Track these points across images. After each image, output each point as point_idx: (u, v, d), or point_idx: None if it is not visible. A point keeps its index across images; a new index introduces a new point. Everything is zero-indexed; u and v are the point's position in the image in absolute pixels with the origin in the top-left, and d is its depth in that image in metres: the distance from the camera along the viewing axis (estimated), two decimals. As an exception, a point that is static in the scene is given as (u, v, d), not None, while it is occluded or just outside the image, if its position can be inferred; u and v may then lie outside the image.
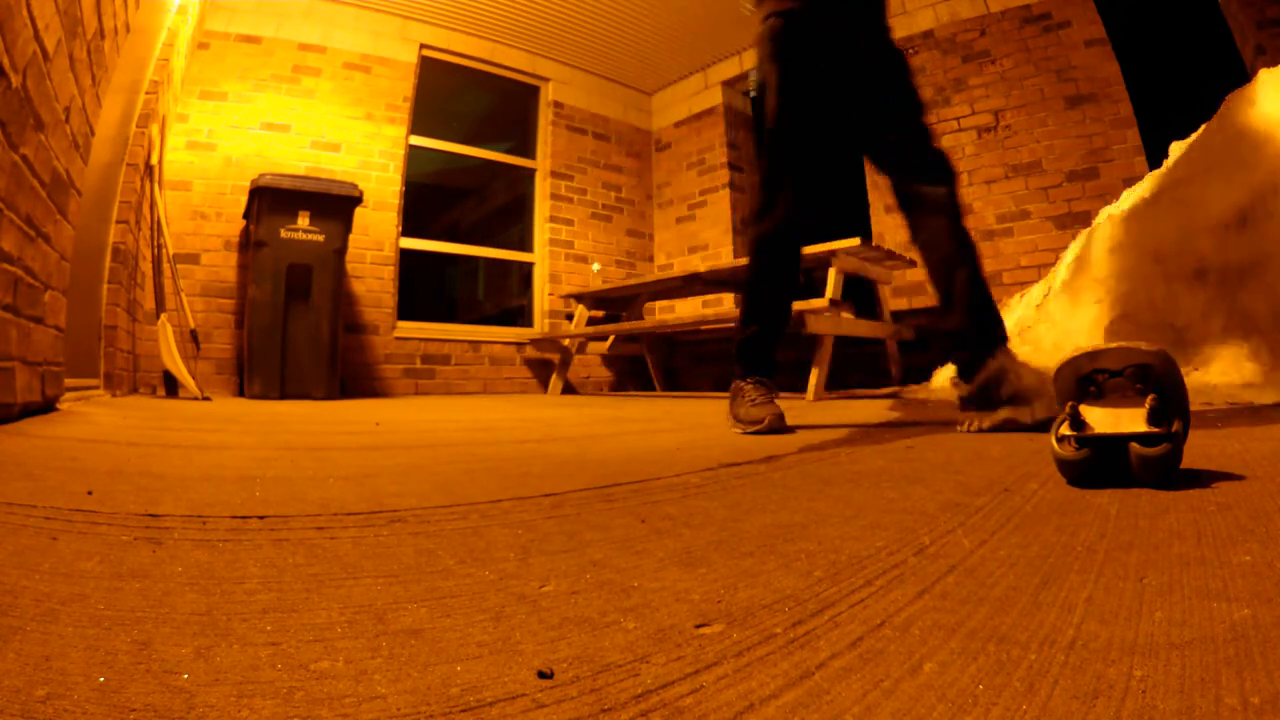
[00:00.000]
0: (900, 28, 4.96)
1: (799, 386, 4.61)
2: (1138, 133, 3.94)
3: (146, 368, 3.90)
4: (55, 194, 1.96)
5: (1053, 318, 2.84)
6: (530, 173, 6.08)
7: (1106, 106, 4.04)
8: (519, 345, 5.60)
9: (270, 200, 3.97)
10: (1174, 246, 2.60)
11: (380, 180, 5.05)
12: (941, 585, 0.61)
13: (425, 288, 6.23)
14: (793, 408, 3.07)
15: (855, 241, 3.78)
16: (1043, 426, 1.47)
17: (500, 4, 5.20)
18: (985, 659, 0.45)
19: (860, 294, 4.35)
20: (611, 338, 5.35)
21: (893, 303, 4.71)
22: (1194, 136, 3.08)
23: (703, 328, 5.39)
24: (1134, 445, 0.97)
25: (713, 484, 1.14)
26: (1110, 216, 3.07)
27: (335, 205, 4.15)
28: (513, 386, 5.55)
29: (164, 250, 3.90)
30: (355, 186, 4.26)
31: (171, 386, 3.74)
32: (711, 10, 5.37)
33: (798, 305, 3.68)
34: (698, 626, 0.53)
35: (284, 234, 4.01)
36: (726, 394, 2.10)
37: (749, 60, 5.97)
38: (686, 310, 6.10)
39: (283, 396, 3.93)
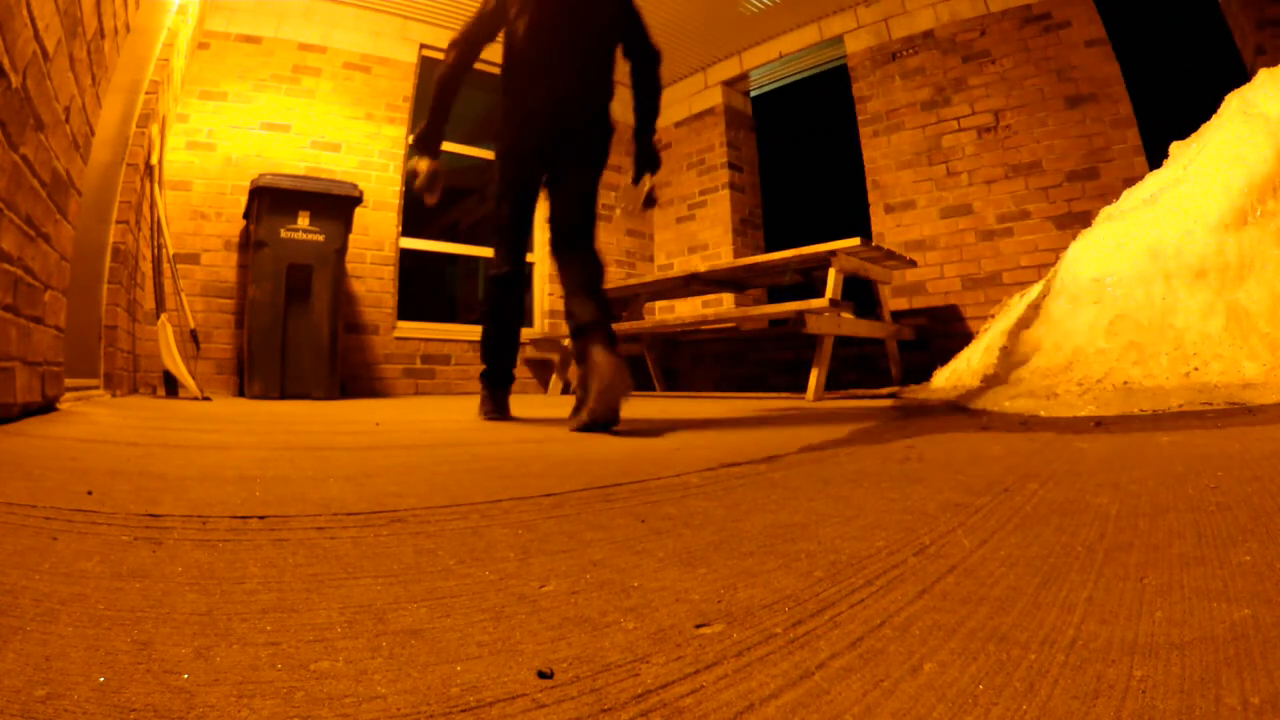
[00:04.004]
0: (900, 28, 4.97)
1: (799, 386, 4.61)
2: (1138, 133, 3.94)
3: (146, 368, 3.90)
4: (55, 194, 1.95)
5: (1053, 318, 2.84)
6: (530, 173, 6.07)
7: (1106, 106, 4.04)
8: (519, 345, 5.60)
9: (270, 200, 3.97)
10: (1174, 246, 2.60)
11: (380, 180, 5.05)
12: (941, 585, 0.61)
13: (425, 288, 6.23)
14: (793, 408, 3.07)
15: (855, 241, 3.78)
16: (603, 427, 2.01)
17: (500, 4, 5.21)
18: (985, 659, 0.45)
19: (860, 294, 4.35)
20: (612, 338, 5.35)
21: (893, 303, 4.71)
22: (1194, 136, 3.08)
23: (703, 328, 5.39)
24: None
25: (713, 484, 1.14)
26: (1110, 216, 3.07)
27: (335, 205, 4.15)
28: (513, 386, 5.55)
29: (164, 250, 3.90)
30: (355, 186, 4.26)
31: (171, 386, 3.73)
32: (711, 10, 5.37)
33: (798, 305, 3.68)
34: (698, 626, 0.53)
35: (284, 234, 4.01)
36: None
37: (749, 60, 5.97)
38: (686, 310, 6.09)
39: (283, 396, 3.93)
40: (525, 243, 2.66)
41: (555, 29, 2.43)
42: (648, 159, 2.52)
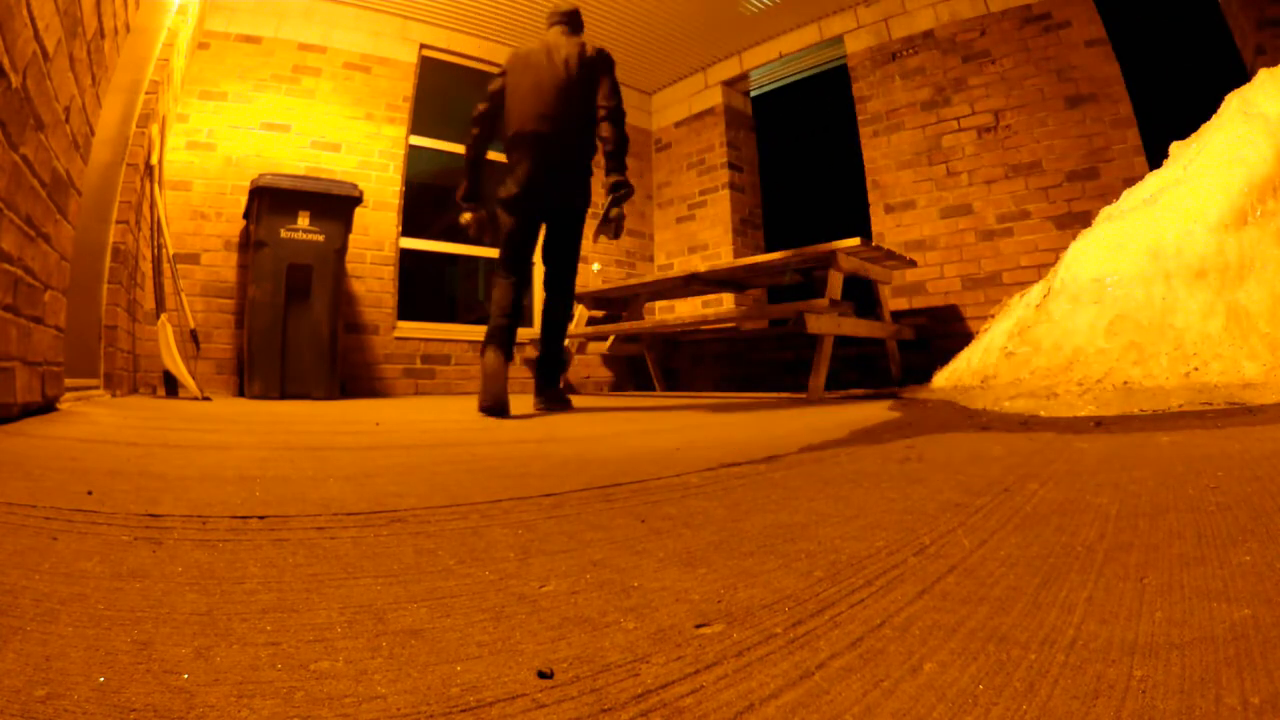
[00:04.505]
0: (900, 28, 4.97)
1: (799, 387, 4.61)
2: (1138, 133, 3.94)
3: (146, 368, 3.90)
4: (55, 194, 1.95)
5: (1053, 318, 2.84)
6: (530, 173, 6.08)
7: (1106, 106, 4.04)
8: (519, 345, 5.60)
9: (270, 200, 3.97)
10: (1174, 246, 2.60)
11: (380, 180, 5.05)
12: (941, 585, 0.61)
13: (425, 288, 6.22)
14: (792, 408, 3.07)
15: (855, 241, 3.78)
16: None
17: (500, 4, 5.20)
18: (985, 659, 0.45)
19: (860, 294, 4.35)
20: (611, 338, 5.35)
21: (893, 303, 4.71)
22: (1194, 136, 3.08)
23: (703, 328, 5.40)
24: None
25: (713, 484, 1.14)
26: (1110, 216, 3.07)
27: (335, 205, 4.14)
28: (513, 386, 5.55)
29: (164, 250, 3.90)
30: (355, 186, 4.26)
31: (171, 386, 3.73)
32: (711, 10, 5.37)
33: (798, 305, 3.68)
34: (698, 626, 0.53)
35: (284, 234, 4.01)
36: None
37: (749, 60, 5.97)
38: (686, 310, 6.09)
39: (283, 396, 3.93)
40: (527, 263, 3.17)
41: (536, 114, 3.05)
42: (613, 193, 3.05)
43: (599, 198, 3.22)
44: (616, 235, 3.10)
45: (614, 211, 3.04)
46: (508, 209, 3.12)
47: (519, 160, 3.09)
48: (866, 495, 1.02)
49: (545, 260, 3.25)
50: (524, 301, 3.26)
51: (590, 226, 3.30)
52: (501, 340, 2.97)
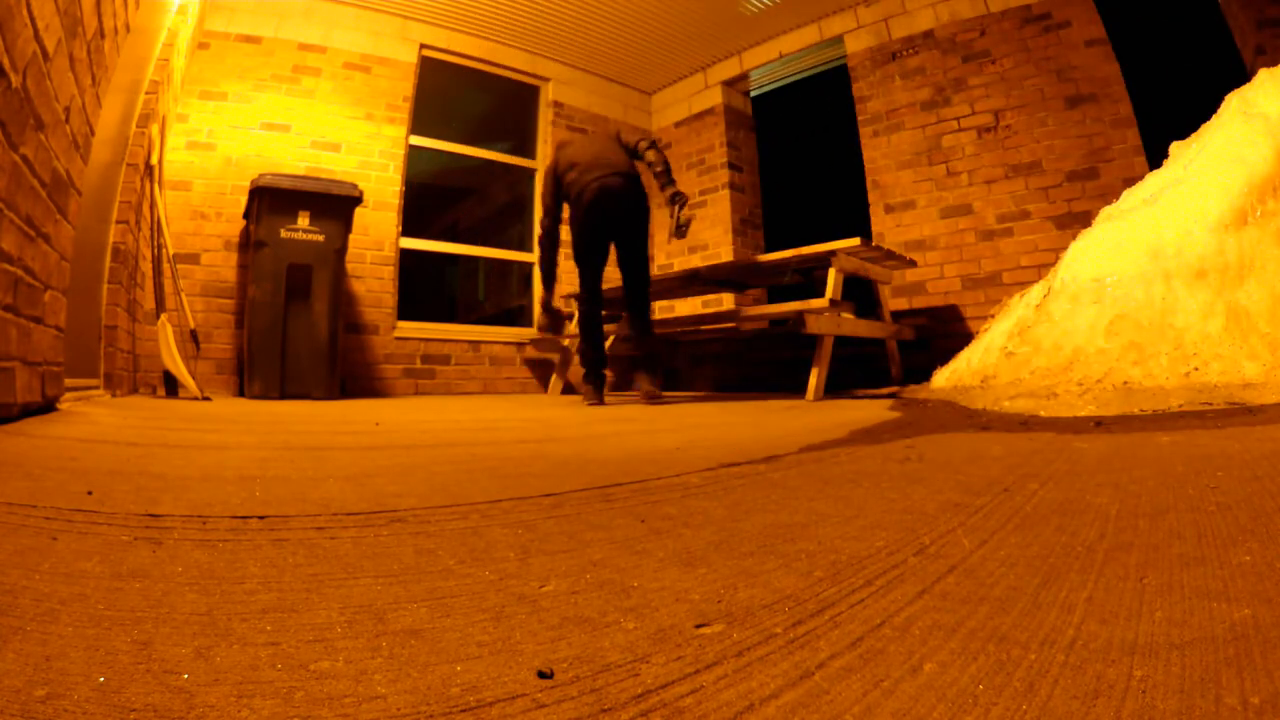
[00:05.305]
0: (900, 28, 4.97)
1: (799, 387, 4.60)
2: (1138, 133, 3.94)
3: (146, 368, 3.90)
4: (55, 194, 1.95)
5: (1053, 318, 2.84)
6: (530, 173, 6.08)
7: (1106, 106, 4.04)
8: (519, 345, 5.60)
9: (270, 200, 3.97)
10: (1174, 246, 2.60)
11: (380, 180, 5.04)
12: (941, 585, 0.61)
13: (425, 288, 6.22)
14: (792, 408, 3.07)
15: (855, 241, 3.78)
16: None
17: (500, 4, 5.20)
18: (985, 659, 0.45)
19: (860, 294, 4.35)
20: (611, 338, 5.35)
21: (893, 303, 4.70)
22: (1194, 136, 3.08)
23: (703, 328, 5.39)
24: None
25: (713, 484, 1.14)
26: (1110, 216, 3.07)
27: (335, 205, 4.14)
28: (513, 386, 5.55)
29: (164, 250, 3.90)
30: (355, 186, 4.26)
31: (171, 386, 3.73)
32: (711, 10, 5.36)
33: (798, 305, 3.70)
34: (698, 626, 0.53)
35: (284, 234, 4.01)
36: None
37: (749, 60, 5.97)
38: (686, 310, 6.09)
39: (283, 396, 3.93)
40: (600, 283, 3.91)
41: (592, 164, 3.73)
42: (673, 203, 3.69)
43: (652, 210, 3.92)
44: (683, 235, 3.75)
45: (683, 217, 3.68)
46: (580, 236, 3.87)
47: (582, 215, 3.80)
48: (866, 495, 1.02)
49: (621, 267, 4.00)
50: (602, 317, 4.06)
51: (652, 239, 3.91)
52: (597, 373, 3.92)
